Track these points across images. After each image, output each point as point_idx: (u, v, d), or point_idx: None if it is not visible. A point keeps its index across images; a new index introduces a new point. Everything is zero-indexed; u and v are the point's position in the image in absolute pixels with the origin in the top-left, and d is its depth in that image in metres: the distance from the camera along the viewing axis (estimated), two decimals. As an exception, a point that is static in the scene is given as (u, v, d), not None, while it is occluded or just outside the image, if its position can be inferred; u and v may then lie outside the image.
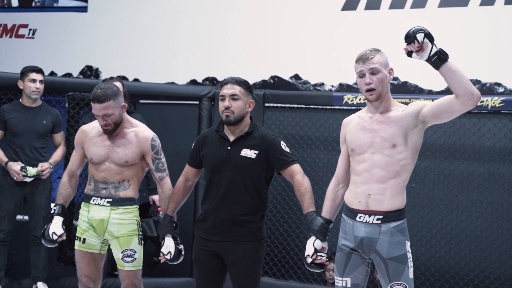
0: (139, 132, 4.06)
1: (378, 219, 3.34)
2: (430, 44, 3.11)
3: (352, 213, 3.42)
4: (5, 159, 5.43)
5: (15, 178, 5.38)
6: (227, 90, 3.75)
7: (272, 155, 3.74)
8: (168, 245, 3.95)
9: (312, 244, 3.49)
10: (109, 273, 5.88)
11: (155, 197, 5.59)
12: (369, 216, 3.36)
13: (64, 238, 4.02)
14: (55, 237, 4.00)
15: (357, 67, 3.40)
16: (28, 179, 5.41)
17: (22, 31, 7.56)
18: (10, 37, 7.63)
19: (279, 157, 3.74)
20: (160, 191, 4.09)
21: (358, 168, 3.42)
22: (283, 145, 3.79)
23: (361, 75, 3.40)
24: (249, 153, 3.72)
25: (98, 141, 4.05)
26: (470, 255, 5.58)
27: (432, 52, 3.11)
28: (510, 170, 5.50)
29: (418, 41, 3.10)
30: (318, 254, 3.48)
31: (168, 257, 3.96)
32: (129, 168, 4.01)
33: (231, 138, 3.78)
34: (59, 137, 5.67)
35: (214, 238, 3.79)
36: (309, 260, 3.49)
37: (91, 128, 4.13)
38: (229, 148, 3.76)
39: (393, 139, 3.35)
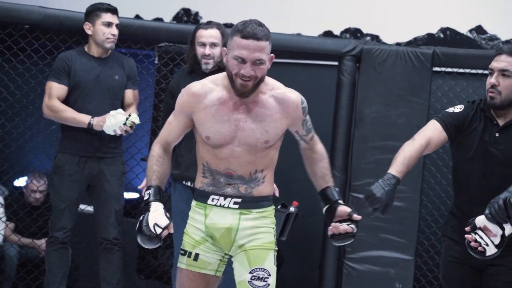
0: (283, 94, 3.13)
1: None
2: None
3: None
4: (87, 118, 4.38)
5: (118, 133, 4.39)
6: (497, 63, 3.27)
7: None
8: None
9: None
10: None
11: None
12: None
13: (171, 231, 3.02)
14: (158, 231, 2.99)
15: None
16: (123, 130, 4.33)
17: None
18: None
19: None
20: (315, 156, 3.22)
21: None
22: None
23: None
24: None
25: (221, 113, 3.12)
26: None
27: None
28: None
29: None
30: None
31: None
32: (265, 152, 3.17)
33: (501, 122, 3.34)
34: (131, 94, 4.64)
35: None
36: None
37: (207, 91, 3.04)
38: (497, 135, 3.33)
39: None
